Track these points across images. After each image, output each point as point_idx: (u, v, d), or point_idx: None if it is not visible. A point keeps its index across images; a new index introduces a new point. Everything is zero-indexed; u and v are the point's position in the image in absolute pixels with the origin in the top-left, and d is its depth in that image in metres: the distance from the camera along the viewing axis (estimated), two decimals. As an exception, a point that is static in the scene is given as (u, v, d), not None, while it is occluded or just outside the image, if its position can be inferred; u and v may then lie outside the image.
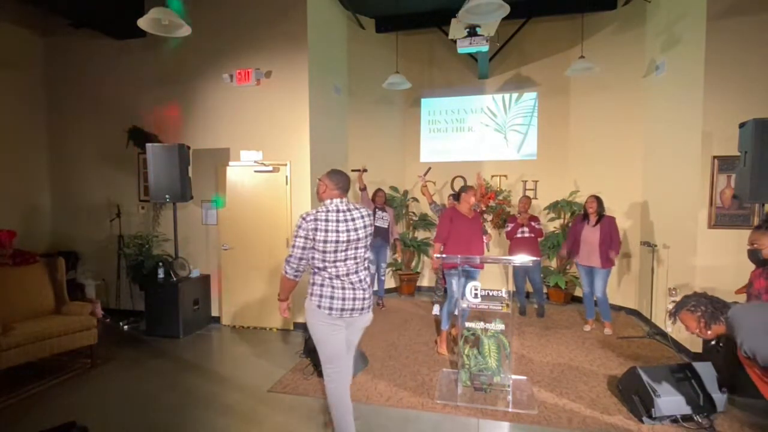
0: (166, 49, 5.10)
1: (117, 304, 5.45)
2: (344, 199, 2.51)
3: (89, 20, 5.08)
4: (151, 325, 4.79)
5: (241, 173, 4.98)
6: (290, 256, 2.41)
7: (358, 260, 2.50)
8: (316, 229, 2.36)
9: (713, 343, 2.88)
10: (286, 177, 4.86)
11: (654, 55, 4.98)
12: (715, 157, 3.92)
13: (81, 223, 5.54)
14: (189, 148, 4.81)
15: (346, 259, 2.44)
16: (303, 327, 4.81)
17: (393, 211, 5.78)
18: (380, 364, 3.93)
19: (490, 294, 3.34)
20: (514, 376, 3.46)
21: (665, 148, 4.77)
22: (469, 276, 4.04)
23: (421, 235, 6.65)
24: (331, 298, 2.40)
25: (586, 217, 4.77)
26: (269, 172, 4.88)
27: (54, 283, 4.15)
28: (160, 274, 4.83)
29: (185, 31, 3.76)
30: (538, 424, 2.94)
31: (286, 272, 2.44)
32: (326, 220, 2.39)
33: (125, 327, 5.04)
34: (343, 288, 2.42)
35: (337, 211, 2.44)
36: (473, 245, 4.09)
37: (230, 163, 5.00)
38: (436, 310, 5.53)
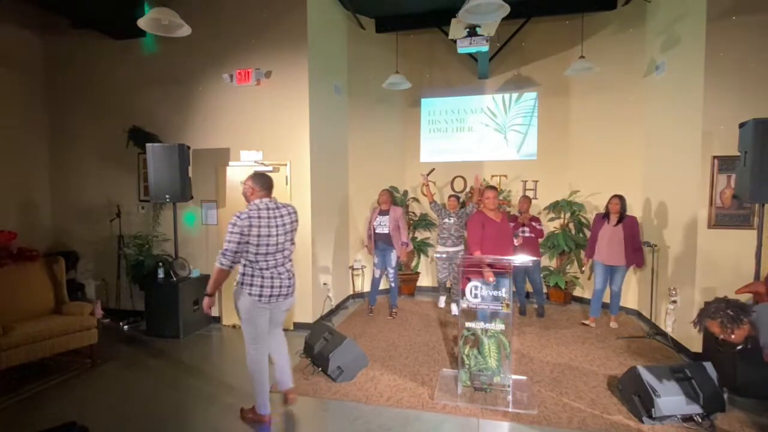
0: (166, 49, 5.10)
1: (117, 304, 5.45)
2: (271, 198, 2.83)
3: (89, 20, 5.08)
4: (151, 325, 4.79)
5: (241, 173, 4.98)
6: (226, 250, 2.67)
7: (286, 253, 2.85)
8: (250, 226, 2.67)
9: (739, 346, 2.66)
10: (286, 177, 4.86)
11: (654, 55, 4.98)
12: (715, 157, 3.92)
13: (81, 223, 5.54)
14: (189, 148, 4.82)
15: (276, 252, 2.77)
16: (303, 327, 4.82)
17: (401, 211, 5.41)
18: (380, 364, 3.93)
19: (491, 294, 3.34)
20: (514, 376, 3.46)
21: (665, 148, 4.77)
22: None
23: (421, 235, 6.65)
24: (261, 287, 2.74)
25: (606, 216, 4.79)
26: (269, 172, 4.88)
27: (54, 283, 4.16)
28: (160, 274, 4.83)
29: (185, 31, 3.76)
30: (538, 424, 2.94)
31: (222, 264, 2.69)
32: (259, 218, 2.70)
33: (125, 327, 5.04)
34: (272, 277, 2.77)
35: (267, 209, 2.76)
36: (503, 249, 3.92)
37: (230, 163, 5.00)
38: (454, 310, 5.56)
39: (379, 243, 5.32)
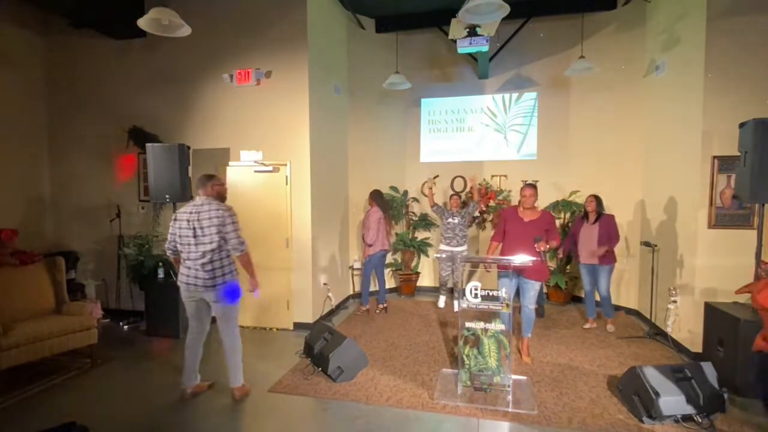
0: (166, 49, 5.10)
1: (117, 304, 5.45)
2: (201, 197, 3.17)
3: (89, 20, 5.08)
4: (151, 325, 4.79)
5: (241, 173, 4.98)
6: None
7: (205, 247, 3.08)
8: (175, 220, 3.16)
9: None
10: (286, 177, 4.86)
11: (654, 55, 4.98)
12: (715, 157, 3.92)
13: (81, 223, 5.53)
14: (189, 148, 4.81)
15: (197, 244, 3.09)
16: (303, 327, 4.82)
17: (368, 212, 5.40)
18: (380, 364, 3.93)
19: (490, 294, 3.34)
20: (514, 376, 3.46)
21: (665, 148, 4.77)
22: (520, 283, 3.84)
23: (421, 235, 6.65)
24: (184, 275, 3.17)
25: (586, 216, 4.81)
26: (269, 172, 4.88)
27: (54, 283, 4.15)
28: (160, 274, 4.83)
29: (185, 31, 3.76)
30: (538, 424, 2.94)
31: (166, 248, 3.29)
32: (183, 212, 3.14)
33: (125, 327, 5.04)
34: (188, 268, 3.14)
35: (193, 205, 3.14)
36: (527, 249, 3.62)
37: (230, 163, 5.00)
38: (456, 307, 5.56)
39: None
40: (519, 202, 3.93)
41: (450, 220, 5.46)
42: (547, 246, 3.75)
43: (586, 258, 4.73)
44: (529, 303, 3.92)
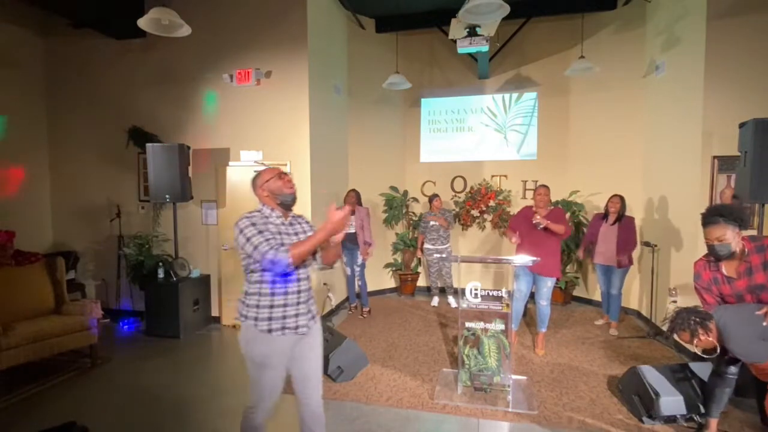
0: (166, 49, 5.10)
1: (117, 304, 5.45)
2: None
3: (89, 20, 5.08)
4: (151, 325, 4.79)
5: (241, 173, 4.97)
6: None
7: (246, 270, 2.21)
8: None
9: (716, 353, 2.43)
10: (286, 177, 4.86)
11: (654, 55, 4.98)
12: (715, 157, 3.92)
13: (81, 223, 5.53)
14: (189, 148, 4.82)
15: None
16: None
17: (365, 211, 5.33)
18: (380, 364, 3.93)
19: (490, 294, 3.35)
20: (514, 376, 3.46)
21: (665, 148, 4.77)
22: (535, 280, 4.06)
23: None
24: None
25: (606, 216, 4.75)
26: (269, 172, 4.87)
27: (54, 283, 4.15)
28: (160, 274, 4.83)
29: (185, 31, 3.76)
30: (538, 424, 2.94)
31: None
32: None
33: (125, 327, 5.03)
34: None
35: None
36: (540, 248, 3.85)
37: (230, 163, 5.00)
38: (452, 302, 5.69)
39: (347, 242, 5.17)
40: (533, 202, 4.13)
41: (433, 222, 5.57)
42: (548, 223, 3.85)
43: (601, 258, 4.70)
44: (543, 299, 4.07)
